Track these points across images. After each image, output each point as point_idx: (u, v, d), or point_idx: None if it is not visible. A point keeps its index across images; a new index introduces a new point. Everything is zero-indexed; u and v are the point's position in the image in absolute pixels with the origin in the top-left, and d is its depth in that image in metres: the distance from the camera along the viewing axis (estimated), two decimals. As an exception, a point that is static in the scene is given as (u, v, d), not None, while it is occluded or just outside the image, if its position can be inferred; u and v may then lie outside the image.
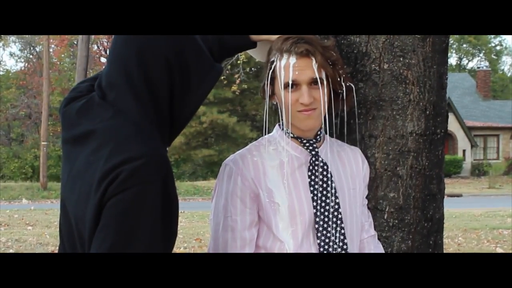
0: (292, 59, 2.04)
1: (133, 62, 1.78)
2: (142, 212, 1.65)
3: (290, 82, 2.03)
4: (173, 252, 1.78)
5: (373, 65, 2.39)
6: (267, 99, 2.15)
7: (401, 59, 2.38)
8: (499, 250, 10.22)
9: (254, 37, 2.15)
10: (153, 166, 1.68)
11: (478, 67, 46.49)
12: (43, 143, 27.24)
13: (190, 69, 1.82)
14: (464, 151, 37.53)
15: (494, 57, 63.84)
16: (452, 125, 35.82)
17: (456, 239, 11.52)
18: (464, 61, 65.44)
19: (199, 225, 13.65)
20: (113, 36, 1.90)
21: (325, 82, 2.05)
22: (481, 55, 63.95)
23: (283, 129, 2.17)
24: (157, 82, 1.79)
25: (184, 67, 1.81)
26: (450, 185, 27.64)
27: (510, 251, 10.02)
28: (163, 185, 1.69)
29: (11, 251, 10.03)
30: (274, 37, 2.13)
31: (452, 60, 63.55)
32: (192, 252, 9.78)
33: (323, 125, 2.14)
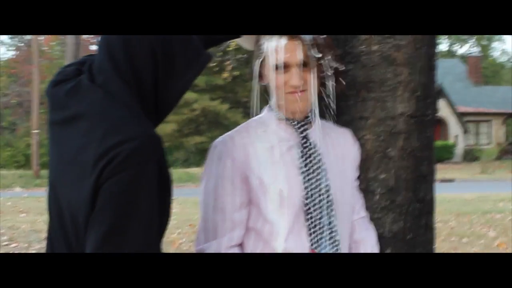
0: (282, 41, 2.03)
1: (119, 48, 1.77)
2: (140, 193, 1.64)
3: (281, 64, 2.03)
4: (166, 238, 1.78)
5: (362, 47, 2.39)
6: (257, 80, 2.15)
7: (391, 40, 2.38)
8: (492, 234, 10.26)
9: None
10: (150, 147, 1.67)
11: (469, 53, 46.51)
12: (34, 131, 27.18)
13: (175, 56, 1.81)
14: (456, 136, 37.58)
15: (485, 42, 63.87)
16: (444, 110, 35.92)
17: (449, 223, 11.57)
18: (455, 47, 65.51)
19: (192, 211, 13.64)
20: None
21: (315, 64, 2.05)
22: (472, 41, 63.97)
23: (272, 110, 2.17)
24: (142, 68, 1.77)
25: (169, 55, 1.80)
26: (442, 170, 27.68)
27: (502, 234, 10.07)
28: (160, 165, 1.69)
29: (4, 238, 10.03)
30: None
31: (443, 46, 63.63)
32: (185, 237, 9.82)
33: (313, 107, 2.13)
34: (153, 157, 1.67)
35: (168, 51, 1.79)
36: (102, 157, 1.64)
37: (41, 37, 37.29)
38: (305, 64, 2.04)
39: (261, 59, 2.11)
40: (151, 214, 1.67)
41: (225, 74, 26.69)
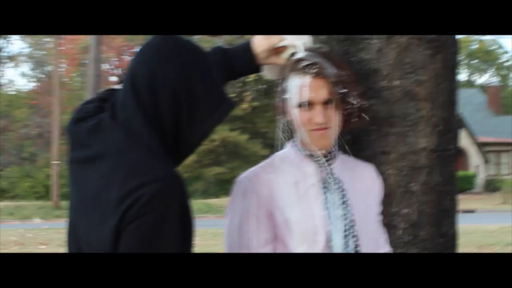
0: (307, 79, 2.05)
1: (144, 85, 1.76)
2: (162, 236, 1.64)
3: (306, 103, 2.04)
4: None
5: (384, 82, 2.39)
6: (281, 116, 2.16)
7: (412, 75, 2.38)
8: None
9: (261, 61, 2.17)
10: (172, 189, 1.66)
11: (489, 83, 46.39)
12: (55, 162, 27.35)
13: (199, 103, 1.80)
14: (476, 166, 37.36)
15: (504, 72, 63.65)
16: (464, 141, 35.72)
17: (470, 255, 11.43)
18: (475, 77, 65.33)
19: (212, 243, 13.61)
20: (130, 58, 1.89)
21: (338, 101, 2.06)
22: (491, 71, 63.80)
23: (296, 145, 2.18)
24: (164, 109, 1.76)
25: (192, 101, 1.78)
26: (463, 201, 27.39)
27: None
28: (181, 206, 1.68)
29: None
30: (281, 60, 2.15)
31: (462, 76, 63.44)
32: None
33: (336, 142, 2.14)
34: (175, 199, 1.66)
35: (191, 96, 1.78)
36: (124, 199, 1.63)
37: (62, 68, 37.66)
38: (329, 101, 2.05)
39: (285, 96, 2.12)
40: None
41: (245, 105, 26.79)
